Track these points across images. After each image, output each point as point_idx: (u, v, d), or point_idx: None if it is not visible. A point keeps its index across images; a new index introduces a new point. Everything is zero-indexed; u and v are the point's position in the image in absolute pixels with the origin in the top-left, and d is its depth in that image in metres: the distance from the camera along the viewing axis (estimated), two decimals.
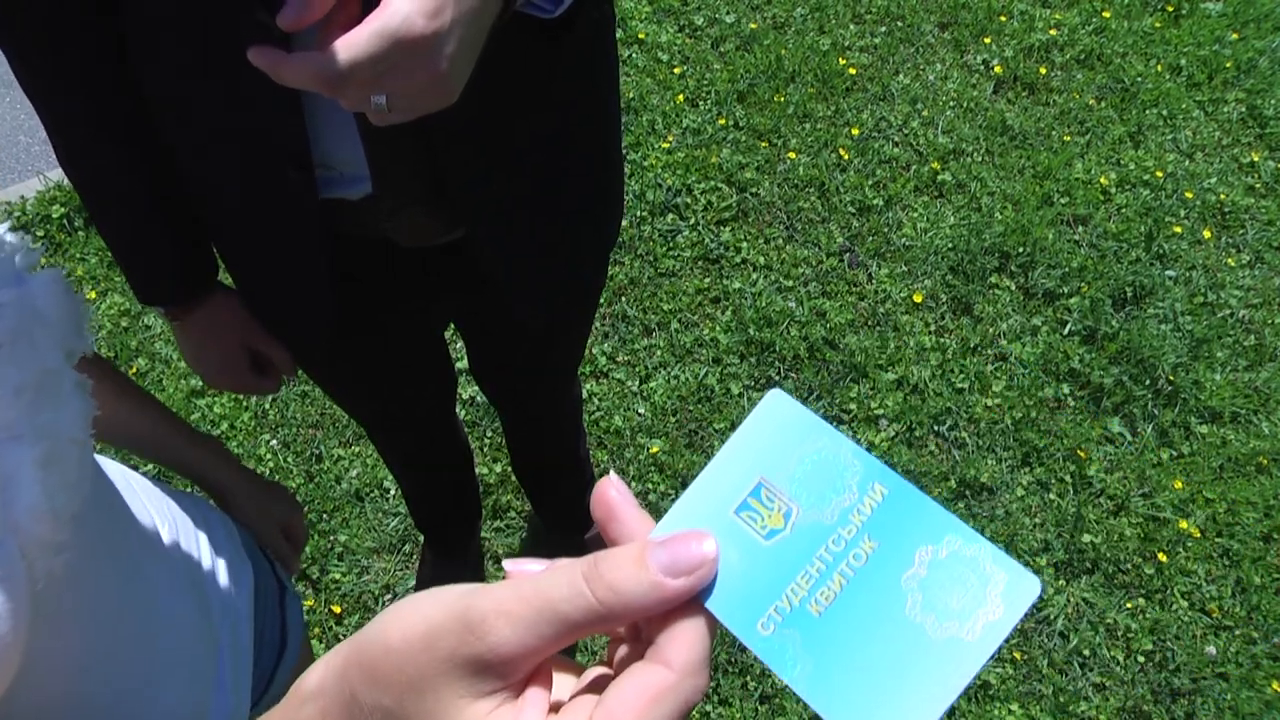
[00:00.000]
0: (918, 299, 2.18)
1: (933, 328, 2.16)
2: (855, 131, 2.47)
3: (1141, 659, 1.77)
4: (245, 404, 2.01)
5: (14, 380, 0.37)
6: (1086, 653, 1.77)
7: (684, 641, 0.30)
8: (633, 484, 1.91)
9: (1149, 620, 1.81)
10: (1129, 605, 1.82)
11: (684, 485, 1.94)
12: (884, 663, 0.30)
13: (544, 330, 1.11)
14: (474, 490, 1.69)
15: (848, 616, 0.31)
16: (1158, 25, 2.79)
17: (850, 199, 2.35)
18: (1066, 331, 2.15)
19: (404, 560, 1.85)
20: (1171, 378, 2.08)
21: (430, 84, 0.52)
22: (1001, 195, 2.38)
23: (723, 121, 2.48)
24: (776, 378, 2.07)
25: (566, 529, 1.77)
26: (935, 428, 2.01)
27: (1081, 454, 1.98)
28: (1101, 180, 2.41)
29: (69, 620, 0.48)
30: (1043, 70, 2.64)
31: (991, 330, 2.16)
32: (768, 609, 0.32)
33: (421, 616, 0.30)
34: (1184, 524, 1.90)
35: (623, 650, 0.34)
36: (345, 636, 1.76)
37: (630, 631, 0.34)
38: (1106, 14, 2.79)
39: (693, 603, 0.31)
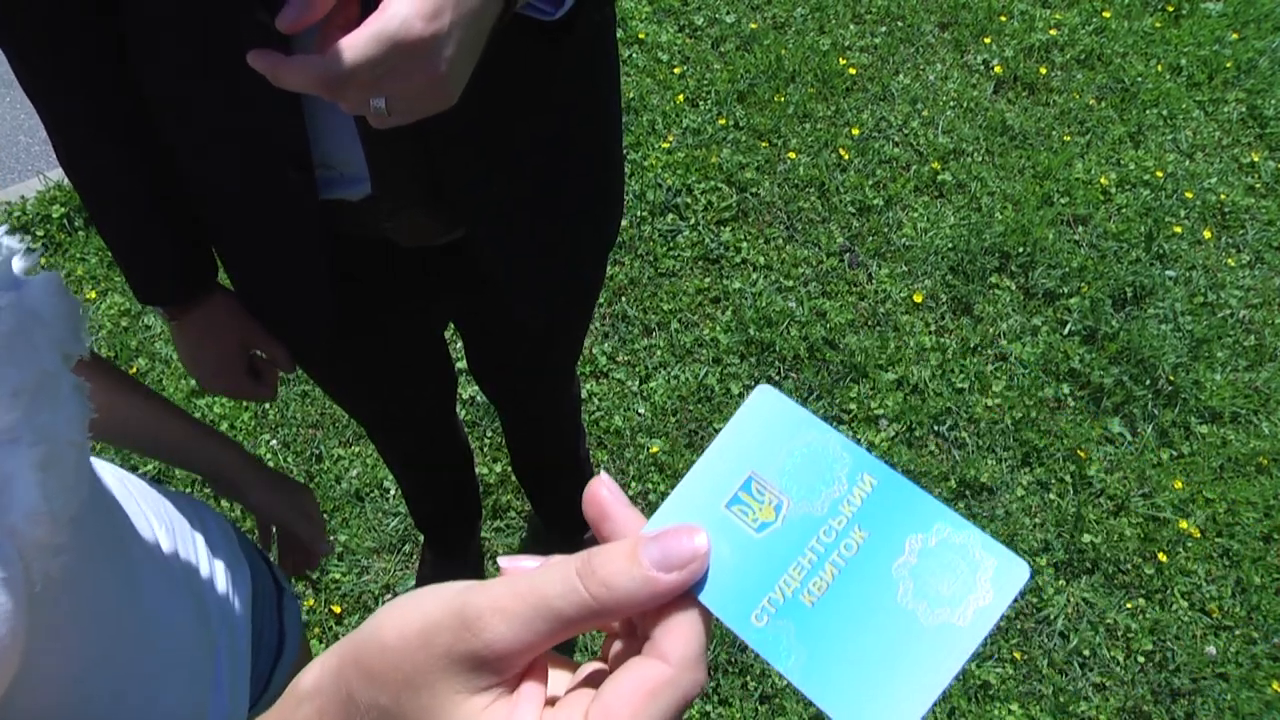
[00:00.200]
0: (918, 299, 2.18)
1: (933, 328, 2.16)
2: (855, 131, 2.47)
3: (1141, 659, 1.77)
4: (245, 404, 2.01)
5: (12, 382, 0.37)
6: (1086, 653, 1.77)
7: (679, 636, 0.30)
8: (633, 484, 1.91)
9: (1149, 620, 1.81)
10: (1129, 605, 1.82)
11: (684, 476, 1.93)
12: (877, 650, 0.30)
13: (543, 330, 1.11)
14: (474, 490, 1.69)
15: (840, 606, 0.31)
16: (1158, 25, 2.78)
17: (850, 199, 2.35)
18: (1066, 331, 2.15)
19: (404, 560, 1.85)
20: (1171, 378, 2.08)
21: (429, 87, 0.52)
22: (1001, 195, 2.38)
23: (723, 121, 2.48)
24: (777, 378, 2.07)
25: (566, 529, 1.77)
26: (935, 428, 2.01)
27: (1081, 454, 1.98)
28: (1101, 180, 2.41)
29: (67, 622, 0.48)
30: (1043, 70, 2.64)
31: (991, 330, 2.16)
32: (761, 601, 0.32)
33: (418, 614, 0.30)
34: (1184, 524, 1.90)
35: (618, 646, 0.34)
36: (345, 636, 1.76)
37: (625, 627, 0.34)
38: (1107, 14, 2.79)
39: (686, 597, 0.31)
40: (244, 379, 1.00)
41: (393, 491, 1.90)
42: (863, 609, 0.31)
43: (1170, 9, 2.83)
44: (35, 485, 0.38)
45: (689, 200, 2.33)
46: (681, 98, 2.52)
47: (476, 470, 1.80)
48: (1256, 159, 2.49)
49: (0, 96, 2.53)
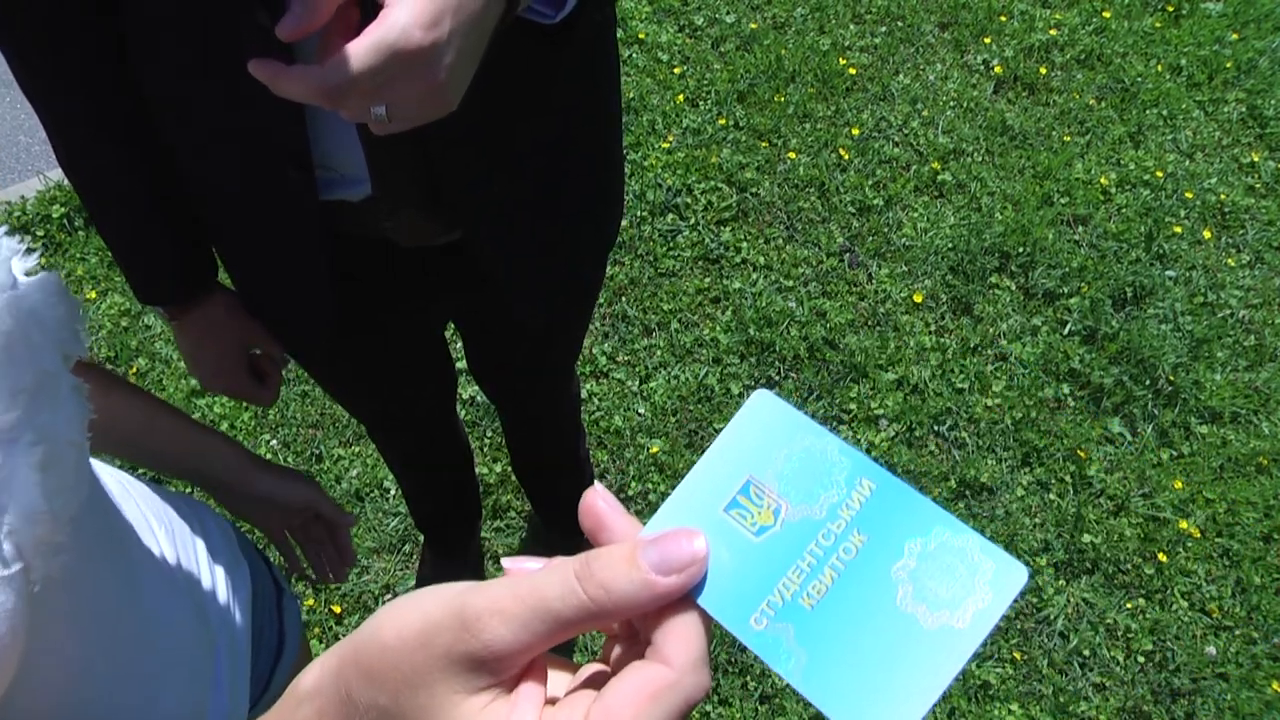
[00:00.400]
0: (918, 299, 2.18)
1: (933, 328, 2.16)
2: (855, 131, 2.47)
3: (1141, 659, 1.77)
4: (245, 404, 2.01)
5: (11, 382, 0.37)
6: (1086, 653, 1.77)
7: (681, 639, 0.30)
8: (633, 484, 1.91)
9: (1149, 620, 1.81)
10: (1129, 605, 1.82)
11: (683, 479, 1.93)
12: (877, 653, 0.31)
13: (543, 329, 1.11)
14: (474, 490, 1.69)
15: (840, 609, 0.31)
16: (1158, 25, 2.79)
17: (850, 199, 2.35)
18: (1066, 331, 2.15)
19: (404, 560, 1.85)
20: (1171, 378, 2.08)
21: (429, 94, 0.52)
22: (1001, 195, 2.38)
23: (723, 121, 2.48)
24: (776, 378, 2.07)
25: (566, 529, 1.77)
26: (935, 428, 2.01)
27: (1081, 454, 1.98)
28: (1101, 180, 2.41)
29: (66, 622, 0.48)
30: (1043, 70, 2.64)
31: (991, 330, 2.16)
32: (760, 604, 0.32)
33: (417, 614, 0.30)
34: (1184, 524, 1.90)
35: (619, 648, 0.34)
36: (345, 636, 1.76)
37: (627, 630, 0.34)
38: (1107, 14, 2.79)
39: (686, 600, 0.31)
40: (244, 379, 1.00)
41: (393, 491, 1.90)
42: (862, 612, 0.31)
43: (1170, 9, 2.83)
44: (35, 485, 0.38)
45: (689, 200, 2.33)
46: (681, 98, 2.52)
47: (476, 470, 1.80)
48: (1256, 159, 2.49)
49: (0, 96, 2.53)
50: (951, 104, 2.55)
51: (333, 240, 0.85)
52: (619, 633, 0.34)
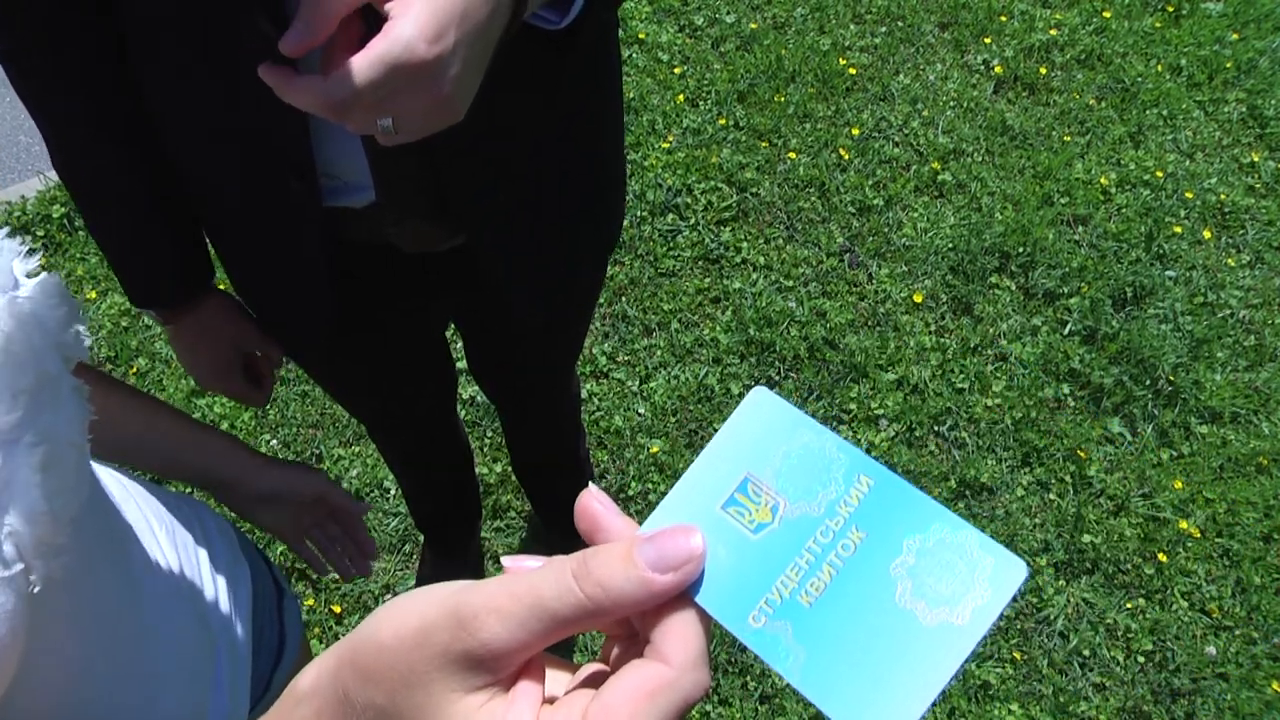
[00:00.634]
0: (918, 299, 2.19)
1: (933, 328, 2.16)
2: (855, 131, 2.47)
3: (1141, 659, 1.77)
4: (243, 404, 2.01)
5: (12, 384, 0.37)
6: (1086, 653, 1.77)
7: (679, 637, 0.30)
8: (633, 484, 1.91)
9: (1149, 620, 1.81)
10: (1129, 605, 1.82)
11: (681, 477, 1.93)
12: (877, 650, 0.30)
13: (543, 328, 1.12)
14: (474, 490, 1.69)
15: (839, 606, 0.31)
16: (1158, 25, 2.79)
17: (850, 199, 2.35)
18: (1066, 331, 2.15)
19: (404, 560, 1.85)
20: (1171, 378, 2.08)
21: (435, 106, 0.52)
22: (1001, 195, 2.38)
23: (723, 121, 2.48)
24: (776, 378, 2.07)
25: (566, 529, 1.77)
26: (935, 428, 2.02)
27: (1081, 454, 1.98)
28: (1101, 180, 2.41)
29: (66, 623, 0.48)
30: (1043, 70, 2.64)
31: (991, 330, 2.16)
32: (758, 602, 0.32)
33: (414, 613, 0.30)
34: (1184, 524, 1.90)
35: (618, 647, 0.34)
36: (344, 636, 1.76)
37: (625, 628, 0.34)
38: (1107, 14, 2.79)
39: (684, 598, 0.31)
40: (238, 380, 1.00)
41: (393, 491, 1.90)
42: (861, 609, 0.31)
43: (1170, 9, 2.83)
44: (36, 486, 0.38)
45: (689, 200, 2.33)
46: (681, 98, 2.52)
47: (476, 470, 1.80)
48: (1256, 159, 2.49)
49: (0, 96, 2.53)
50: (951, 104, 2.55)
51: (334, 245, 0.85)
52: (618, 632, 0.34)
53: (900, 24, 2.74)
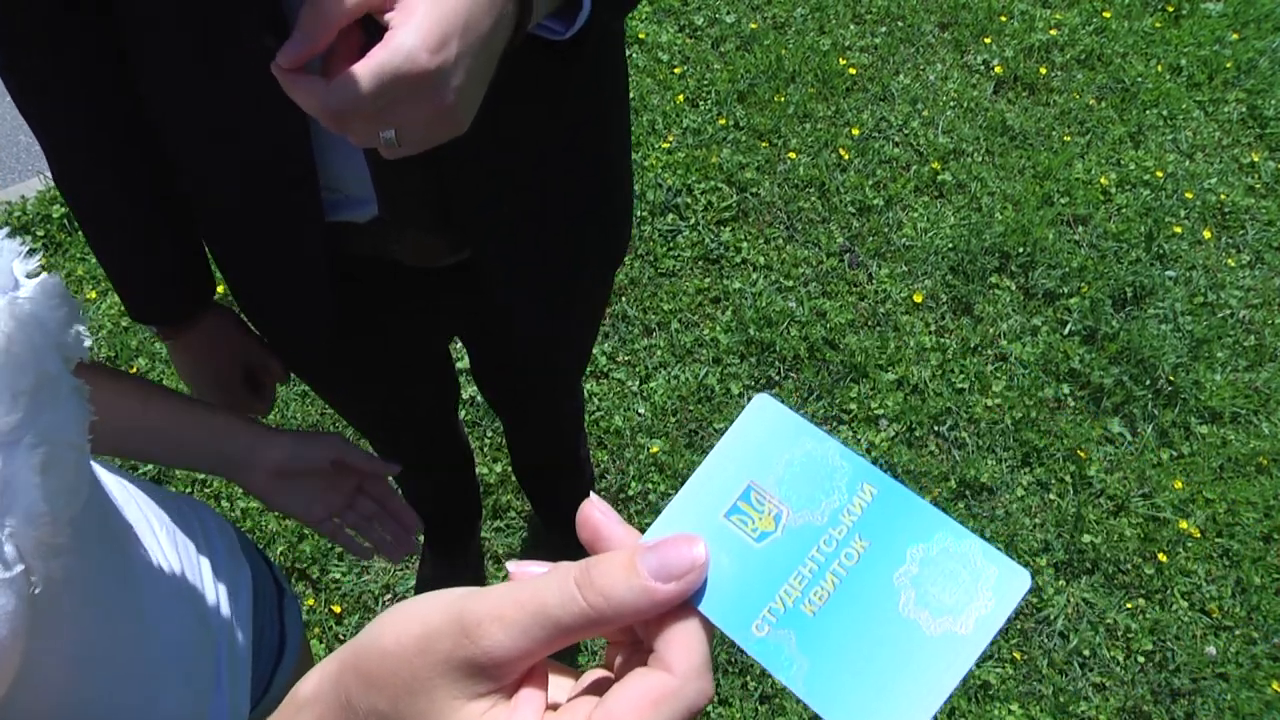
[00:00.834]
0: (918, 299, 2.19)
1: (933, 328, 2.16)
2: (855, 131, 2.47)
3: (1141, 659, 1.77)
4: None
5: (13, 385, 0.37)
6: (1086, 653, 1.77)
7: (682, 646, 0.30)
8: (633, 484, 1.91)
9: (1149, 620, 1.81)
10: (1129, 605, 1.82)
11: (683, 485, 1.94)
12: (880, 659, 0.30)
13: (547, 341, 1.11)
14: (474, 490, 1.69)
15: (842, 615, 0.31)
16: (1158, 25, 2.79)
17: (850, 199, 2.35)
18: (1066, 331, 2.15)
19: (404, 560, 1.85)
20: (1171, 378, 2.08)
21: (438, 117, 0.51)
22: (1001, 195, 2.38)
23: (723, 121, 2.48)
24: (776, 378, 2.07)
25: (566, 528, 1.77)
26: (935, 428, 2.01)
27: (1081, 454, 1.98)
28: (1101, 180, 2.41)
29: (66, 624, 0.48)
30: (1043, 70, 2.64)
31: (991, 330, 2.16)
32: (762, 610, 0.32)
33: (416, 620, 0.30)
34: (1184, 524, 1.90)
35: (622, 654, 0.34)
36: (345, 636, 1.76)
37: (629, 635, 0.34)
38: (1107, 14, 2.79)
39: (687, 607, 0.31)
40: (241, 392, 0.99)
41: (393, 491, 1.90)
42: (865, 618, 0.31)
43: (1170, 9, 2.83)
44: (36, 487, 0.38)
45: (689, 200, 2.33)
46: (681, 98, 2.52)
47: (476, 470, 1.80)
48: (1256, 159, 2.49)
49: (0, 97, 2.53)
50: (951, 104, 2.55)
51: (335, 257, 0.84)
52: (621, 638, 0.34)
53: (900, 24, 2.74)
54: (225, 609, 0.73)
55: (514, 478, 1.87)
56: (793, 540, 0.33)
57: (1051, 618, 1.80)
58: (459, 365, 1.95)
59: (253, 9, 0.62)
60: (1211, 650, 1.78)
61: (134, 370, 2.06)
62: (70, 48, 0.74)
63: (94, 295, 2.17)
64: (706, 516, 0.34)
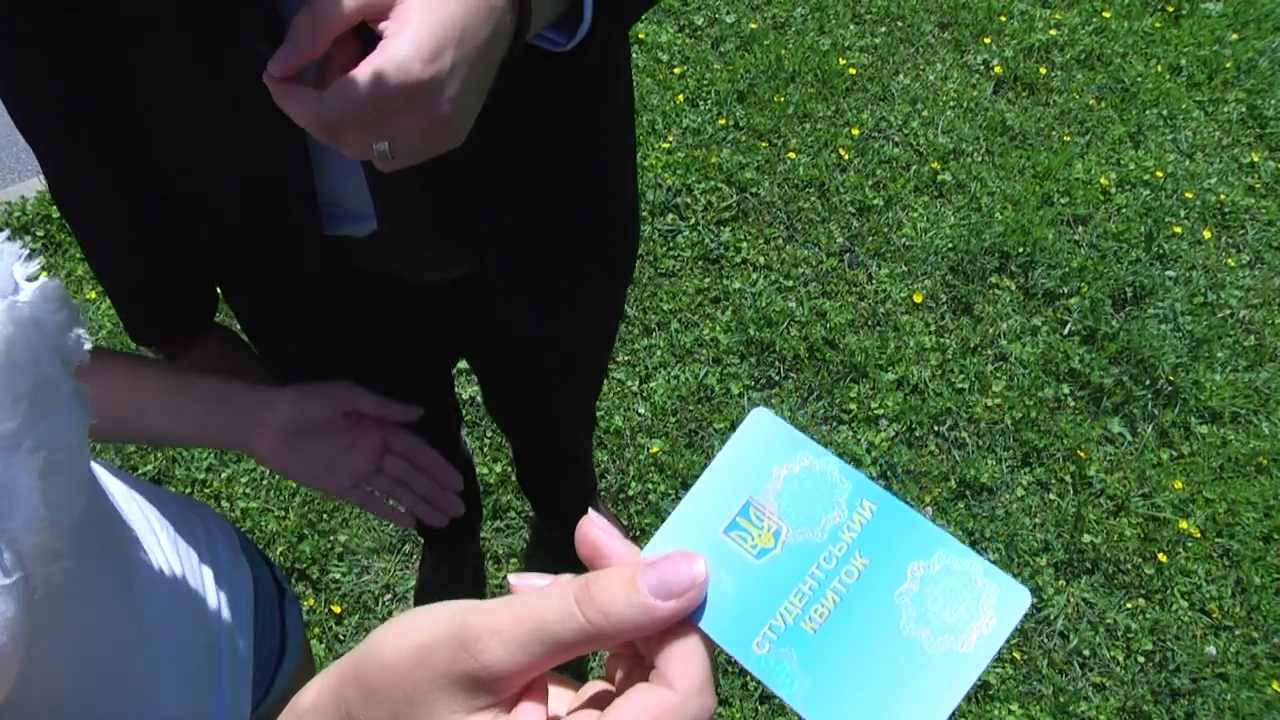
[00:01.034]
0: (918, 299, 2.18)
1: (933, 328, 2.16)
2: (855, 131, 2.47)
3: (1141, 659, 1.77)
4: None
5: (12, 389, 0.37)
6: (1086, 653, 1.77)
7: (684, 662, 0.30)
8: (633, 484, 1.91)
9: (1149, 620, 1.81)
10: (1129, 605, 1.82)
11: (684, 485, 1.94)
12: (882, 677, 0.30)
13: (547, 351, 1.10)
14: (474, 491, 1.69)
15: (843, 633, 0.31)
16: (1158, 25, 2.78)
17: (850, 199, 2.35)
18: (1066, 331, 2.15)
19: (404, 560, 1.85)
20: (1171, 378, 2.08)
21: (432, 128, 0.50)
22: (1001, 195, 2.38)
23: (723, 121, 2.48)
24: (776, 377, 2.07)
25: (566, 529, 1.77)
26: (935, 428, 2.01)
27: (1081, 454, 1.98)
28: (1101, 180, 2.41)
29: (66, 627, 0.48)
30: (1043, 70, 2.64)
31: (991, 330, 2.16)
32: (762, 628, 0.32)
33: (416, 633, 0.30)
34: (1184, 524, 1.90)
35: (623, 667, 0.34)
36: (345, 636, 1.76)
37: (630, 647, 0.34)
38: (1106, 14, 2.79)
39: (687, 623, 0.31)
40: None
41: None
42: (866, 636, 0.31)
43: (1170, 9, 2.82)
44: (35, 492, 0.38)
45: (689, 200, 2.33)
46: (681, 98, 2.52)
47: (477, 470, 1.80)
48: (1256, 159, 2.49)
49: None
50: (951, 104, 2.55)
51: (334, 270, 0.83)
52: (623, 650, 0.34)
53: (900, 24, 2.73)
54: (226, 611, 0.73)
55: (514, 478, 1.87)
56: (793, 557, 0.33)
57: (1051, 618, 1.80)
58: (459, 365, 1.95)
59: (253, 9, 0.62)
60: (1211, 650, 1.78)
61: None
62: (70, 48, 0.74)
63: (94, 295, 2.17)
64: (706, 532, 0.34)
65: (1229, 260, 2.30)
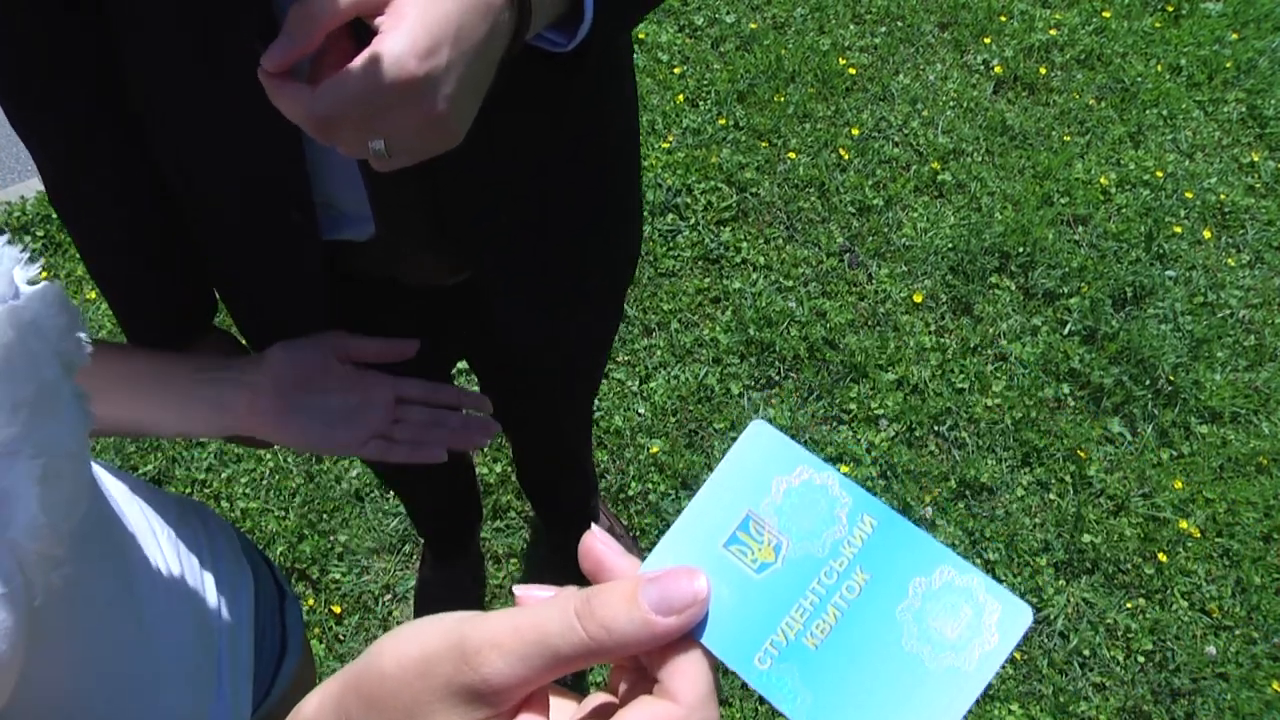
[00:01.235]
0: (918, 299, 2.18)
1: (933, 328, 2.16)
2: (855, 131, 2.47)
3: (1141, 659, 1.77)
4: None
5: (12, 396, 0.37)
6: (1086, 653, 1.77)
7: (687, 676, 0.30)
8: (633, 484, 1.91)
9: (1149, 620, 1.81)
10: (1129, 605, 1.82)
11: (684, 485, 1.94)
12: (884, 694, 0.30)
13: (547, 354, 1.10)
14: (474, 491, 1.69)
15: (845, 649, 0.31)
16: (1158, 25, 2.78)
17: (850, 199, 2.35)
18: (1066, 331, 2.15)
19: (404, 560, 1.85)
20: (1171, 378, 2.08)
21: (428, 126, 0.50)
22: (1001, 195, 2.38)
23: (723, 121, 2.48)
24: (776, 377, 2.07)
25: (566, 529, 1.77)
26: (935, 428, 2.01)
27: (1081, 454, 1.98)
28: (1101, 180, 2.41)
29: (66, 633, 0.48)
30: (1043, 70, 2.64)
31: (991, 330, 2.16)
32: (764, 643, 0.32)
33: (416, 644, 0.30)
34: (1184, 524, 1.90)
35: (626, 680, 0.34)
36: (345, 636, 1.76)
37: (633, 660, 0.34)
38: (1106, 14, 2.79)
39: (688, 638, 0.31)
40: None
41: (393, 492, 1.90)
42: (867, 652, 0.31)
43: (1170, 9, 2.82)
44: (35, 499, 0.37)
45: (689, 200, 2.33)
46: (681, 98, 2.52)
47: (476, 470, 1.80)
48: (1256, 159, 2.49)
49: None
50: (951, 104, 2.55)
51: (332, 272, 0.83)
52: (626, 663, 0.34)
53: (900, 24, 2.73)
54: (226, 612, 0.72)
55: (514, 478, 1.87)
56: (793, 572, 0.33)
57: (1051, 618, 1.80)
58: (459, 365, 1.95)
59: (252, 8, 0.61)
60: (1211, 650, 1.78)
61: None
62: (70, 48, 0.74)
63: (93, 296, 2.17)
64: (705, 546, 0.33)
65: (1229, 260, 2.30)
